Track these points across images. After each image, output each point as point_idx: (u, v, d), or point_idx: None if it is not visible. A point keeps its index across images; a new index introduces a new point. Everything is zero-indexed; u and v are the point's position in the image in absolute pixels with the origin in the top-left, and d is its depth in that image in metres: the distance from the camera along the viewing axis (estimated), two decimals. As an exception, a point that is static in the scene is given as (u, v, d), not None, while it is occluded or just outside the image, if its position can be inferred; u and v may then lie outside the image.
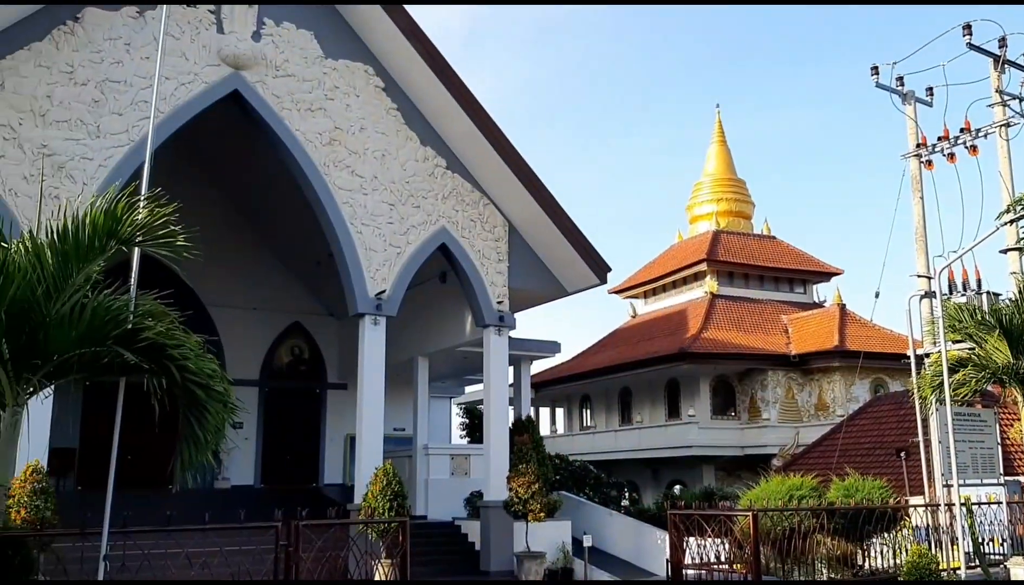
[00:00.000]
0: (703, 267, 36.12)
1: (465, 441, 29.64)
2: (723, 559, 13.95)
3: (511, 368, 21.50)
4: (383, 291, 18.70)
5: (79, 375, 8.51)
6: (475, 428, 28.17)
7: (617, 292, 40.57)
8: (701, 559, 13.73)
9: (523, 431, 20.18)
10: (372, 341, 18.57)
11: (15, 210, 14.83)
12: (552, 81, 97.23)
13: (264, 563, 9.85)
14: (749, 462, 30.91)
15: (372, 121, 19.20)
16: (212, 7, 17.40)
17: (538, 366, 30.03)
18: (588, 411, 39.32)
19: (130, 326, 8.20)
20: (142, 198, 8.84)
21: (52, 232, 8.18)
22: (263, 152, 20.14)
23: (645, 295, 40.20)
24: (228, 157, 23.52)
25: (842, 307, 33.47)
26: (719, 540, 13.89)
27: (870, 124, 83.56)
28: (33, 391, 8.28)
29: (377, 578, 12.43)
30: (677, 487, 30.69)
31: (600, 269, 20.84)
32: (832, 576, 13.71)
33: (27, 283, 7.81)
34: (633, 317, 39.89)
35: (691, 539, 13.95)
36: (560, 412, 41.34)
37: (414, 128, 19.70)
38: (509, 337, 20.39)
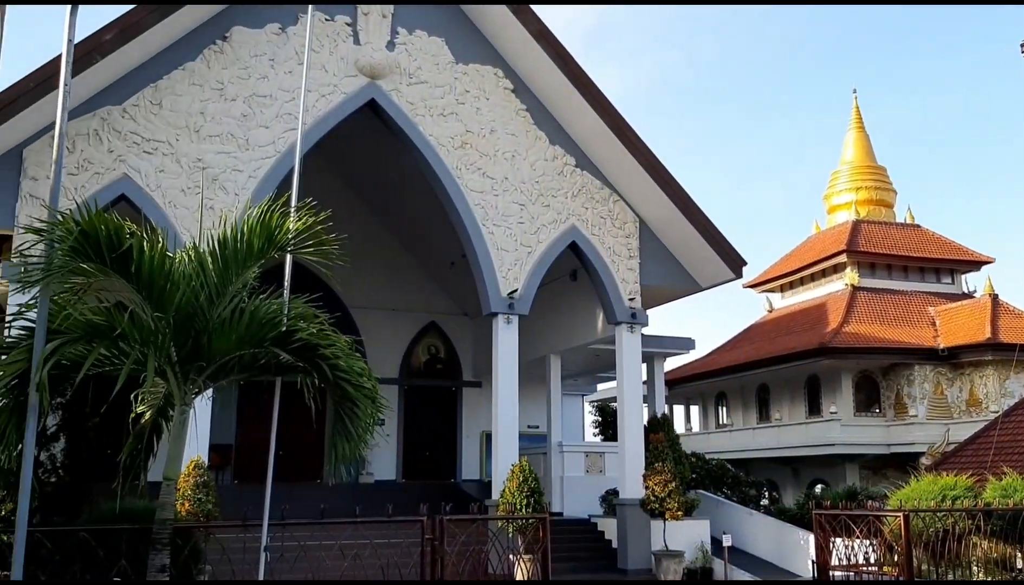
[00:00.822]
0: (843, 258, 34.83)
1: (598, 439, 29.61)
2: (872, 561, 13.51)
3: (644, 365, 21.37)
4: (515, 290, 18.95)
5: (239, 376, 9.02)
6: (608, 426, 28.10)
7: (752, 286, 39.64)
8: (848, 561, 13.33)
9: (658, 429, 20.03)
10: (505, 340, 18.85)
11: (175, 221, 15.85)
12: (680, 73, 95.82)
13: (411, 556, 10.18)
14: (895, 460, 29.63)
15: (502, 123, 19.49)
16: (349, 19, 18.06)
17: (672, 363, 29.72)
18: (724, 408, 38.60)
19: (284, 328, 8.64)
20: (293, 208, 9.32)
21: (212, 241, 8.71)
22: (397, 157, 20.77)
23: (782, 289, 39.12)
24: (363, 162, 24.33)
25: (994, 297, 31.62)
26: (867, 541, 13.45)
27: (1021, 106, 78.50)
28: (198, 391, 8.84)
29: (519, 575, 12.64)
30: (819, 486, 29.74)
31: (735, 263, 20.46)
32: (988, 579, 13.06)
33: (191, 290, 8.34)
34: (769, 311, 38.90)
35: (838, 540, 13.56)
36: (695, 410, 40.74)
37: (543, 128, 19.88)
38: (642, 334, 20.28)
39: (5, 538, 10.37)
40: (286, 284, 9.96)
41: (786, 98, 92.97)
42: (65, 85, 8.35)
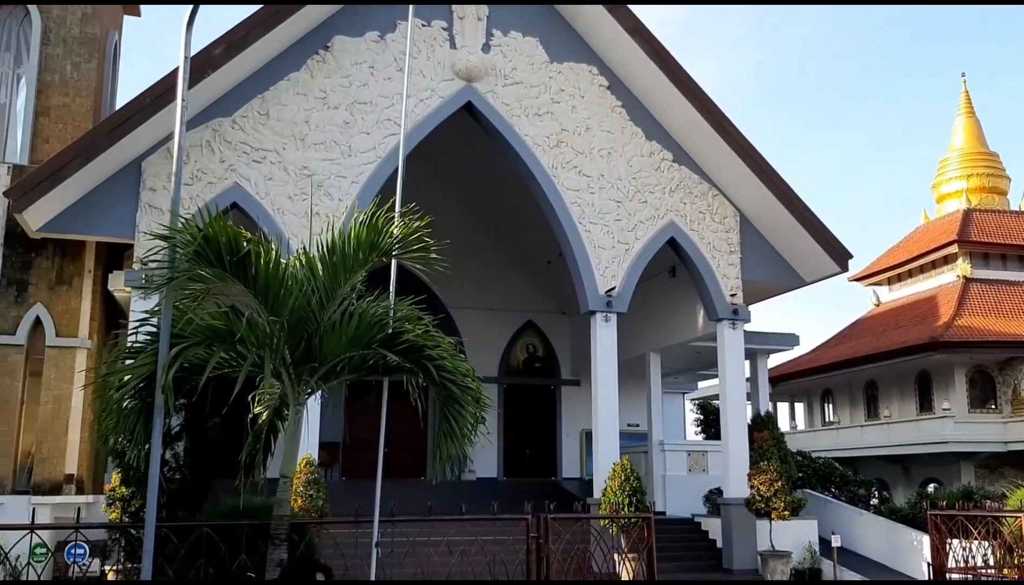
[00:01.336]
0: (953, 249, 33.44)
1: (700, 437, 29.28)
2: (991, 563, 13.02)
3: (747, 362, 21.00)
4: (613, 288, 18.89)
5: (348, 376, 9.30)
6: (710, 424, 27.76)
7: (858, 280, 38.45)
8: (966, 563, 12.87)
9: (762, 427, 19.66)
10: (604, 338, 18.81)
11: (283, 227, 16.40)
12: (777, 62, 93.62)
13: (516, 553, 10.31)
14: (1013, 459, 28.34)
15: (597, 120, 19.45)
16: (445, 24, 18.34)
17: (775, 360, 29.10)
18: (830, 406, 37.58)
19: (391, 331, 8.87)
20: (397, 213, 9.55)
21: (322, 247, 9.00)
22: (493, 157, 20.95)
23: (889, 282, 37.82)
24: (459, 163, 24.62)
25: (1120, 286, 29.87)
26: (985, 543, 12.97)
27: None
28: (311, 392, 9.15)
29: (623, 574, 12.63)
30: (931, 486, 28.66)
31: (840, 256, 19.92)
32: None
33: (303, 294, 8.65)
34: (876, 305, 37.68)
35: (954, 541, 13.10)
36: (800, 407, 39.79)
37: (639, 124, 19.74)
38: (744, 331, 19.92)
39: (135, 533, 10.97)
40: (391, 287, 10.22)
41: (890, 84, 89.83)
42: (183, 100, 8.77)
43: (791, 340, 22.73)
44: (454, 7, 18.51)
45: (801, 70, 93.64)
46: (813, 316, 74.97)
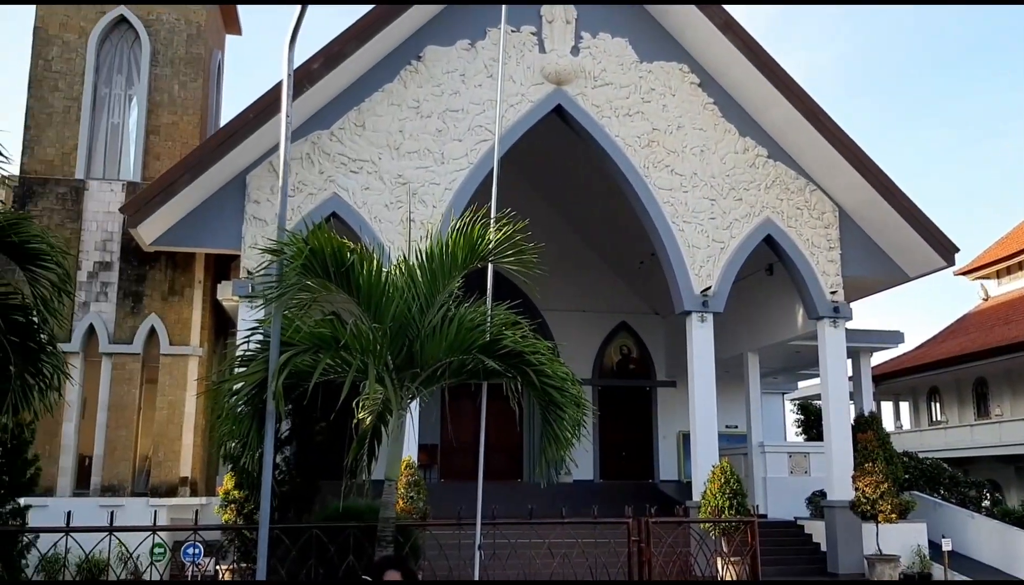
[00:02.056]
0: (1069, 239, 31.85)
1: (801, 438, 28.59)
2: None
3: (849, 361, 20.45)
4: (708, 287, 18.67)
5: (448, 381, 9.47)
6: (811, 425, 27.06)
7: (964, 273, 36.95)
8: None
9: (867, 428, 19.12)
10: (700, 338, 18.60)
11: (380, 235, 16.79)
12: (871, 51, 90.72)
13: (618, 556, 10.31)
14: None
15: (689, 118, 19.26)
16: (534, 29, 18.46)
17: (879, 358, 28.20)
18: (937, 404, 36.20)
19: (489, 336, 8.99)
20: (492, 218, 9.68)
21: (420, 254, 9.20)
22: (583, 159, 20.97)
23: (998, 275, 36.21)
24: (550, 165, 24.72)
25: None
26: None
27: None
28: (412, 396, 9.35)
29: (728, 577, 12.48)
30: (1050, 488, 27.35)
31: (946, 250, 19.22)
32: None
33: (404, 301, 8.86)
34: (985, 300, 36.13)
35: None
36: (904, 406, 38.46)
37: (732, 120, 19.47)
38: (846, 329, 19.42)
39: (249, 534, 11.40)
40: (488, 292, 10.36)
41: (990, 67, 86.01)
42: (287, 115, 9.09)
43: (895, 337, 22.01)
44: (543, 11, 18.62)
45: (894, 57, 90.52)
46: (918, 312, 72.34)
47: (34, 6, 18.41)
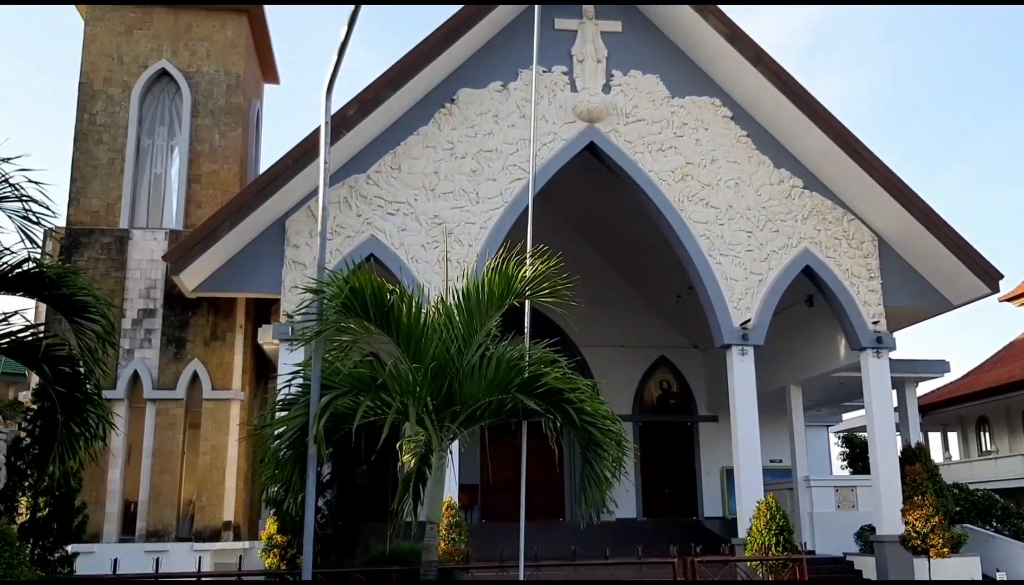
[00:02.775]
0: (1118, 262, 31.14)
1: (847, 472, 28.04)
2: None
3: (894, 392, 20.07)
4: (748, 320, 18.50)
5: (488, 420, 9.45)
6: (857, 458, 26.51)
7: (1009, 300, 36.24)
8: None
9: (914, 460, 18.70)
10: (741, 372, 18.40)
11: (417, 274, 16.93)
12: (905, 77, 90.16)
13: (663, 596, 10.16)
14: None
15: (723, 151, 19.24)
16: (565, 68, 18.64)
17: (924, 387, 27.69)
18: (986, 434, 35.36)
19: (527, 374, 8.98)
20: (528, 255, 9.73)
21: (457, 294, 9.26)
22: (616, 193, 20.99)
23: (1045, 300, 35.49)
24: (583, 201, 24.77)
25: None
26: None
27: None
28: (453, 437, 9.36)
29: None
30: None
31: (990, 277, 18.88)
32: None
33: (442, 341, 8.91)
34: (1032, 326, 35.38)
35: None
36: (953, 437, 37.61)
37: (766, 152, 19.41)
38: (889, 358, 19.10)
39: (292, 579, 11.42)
40: (526, 329, 10.37)
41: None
42: (325, 161, 9.26)
43: (941, 366, 21.59)
44: (573, 51, 18.80)
45: (931, 81, 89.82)
46: (963, 339, 70.95)
47: (79, 64, 18.92)
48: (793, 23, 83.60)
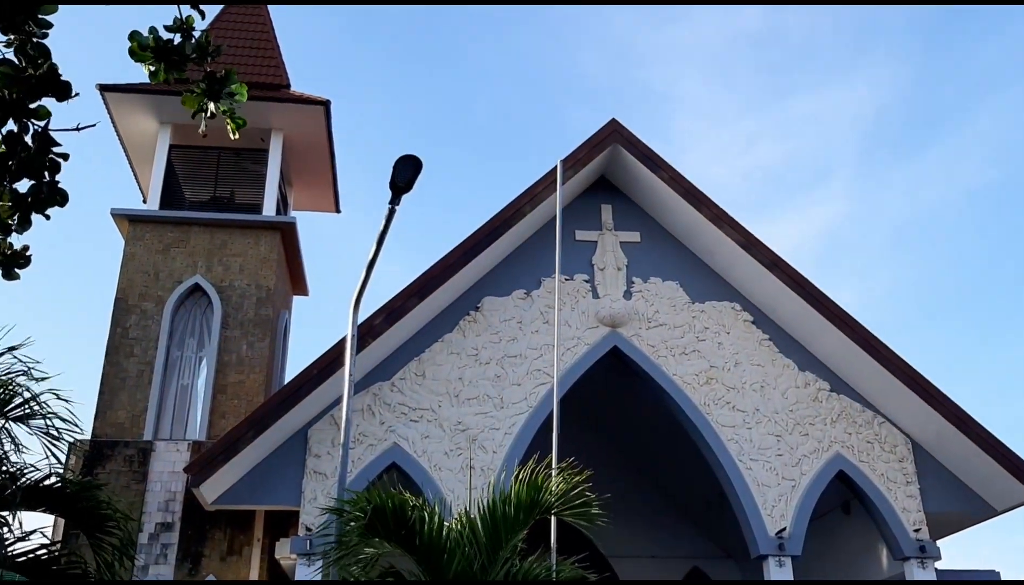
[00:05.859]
0: None
1: None
2: None
3: (944, 604, 18.94)
4: (783, 529, 17.81)
5: (515, 645, 8.93)
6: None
7: (1055, 502, 34.80)
8: None
9: (974, 680, 17.39)
10: None
11: (440, 483, 16.62)
12: (922, 276, 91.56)
13: None
14: None
15: (746, 354, 19.27)
16: (586, 277, 19.11)
17: (975, 599, 26.09)
18: (1049, 649, 32.96)
19: (555, 593, 8.58)
20: (554, 468, 9.55)
21: (481, 507, 9.02)
22: (642, 397, 20.88)
23: (1093, 502, 34.03)
24: (607, 406, 24.62)
25: None
26: None
27: None
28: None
29: None
30: None
31: (1031, 480, 18.23)
32: None
33: (465, 557, 8.60)
34: (1083, 530, 33.78)
35: None
36: (1011, 652, 35.08)
37: (790, 355, 19.41)
38: (935, 568, 18.17)
39: None
40: (552, 545, 10.04)
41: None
42: (350, 373, 9.32)
43: (990, 575, 20.37)
44: (594, 260, 19.35)
45: (949, 278, 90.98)
46: (1014, 544, 67.62)
47: (116, 281, 19.58)
48: (807, 232, 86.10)
